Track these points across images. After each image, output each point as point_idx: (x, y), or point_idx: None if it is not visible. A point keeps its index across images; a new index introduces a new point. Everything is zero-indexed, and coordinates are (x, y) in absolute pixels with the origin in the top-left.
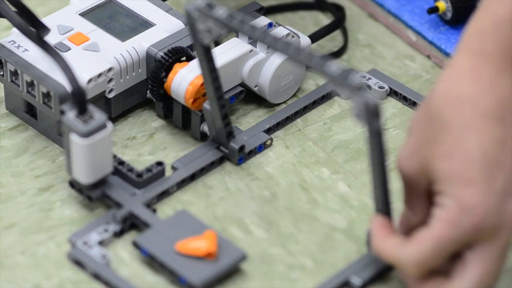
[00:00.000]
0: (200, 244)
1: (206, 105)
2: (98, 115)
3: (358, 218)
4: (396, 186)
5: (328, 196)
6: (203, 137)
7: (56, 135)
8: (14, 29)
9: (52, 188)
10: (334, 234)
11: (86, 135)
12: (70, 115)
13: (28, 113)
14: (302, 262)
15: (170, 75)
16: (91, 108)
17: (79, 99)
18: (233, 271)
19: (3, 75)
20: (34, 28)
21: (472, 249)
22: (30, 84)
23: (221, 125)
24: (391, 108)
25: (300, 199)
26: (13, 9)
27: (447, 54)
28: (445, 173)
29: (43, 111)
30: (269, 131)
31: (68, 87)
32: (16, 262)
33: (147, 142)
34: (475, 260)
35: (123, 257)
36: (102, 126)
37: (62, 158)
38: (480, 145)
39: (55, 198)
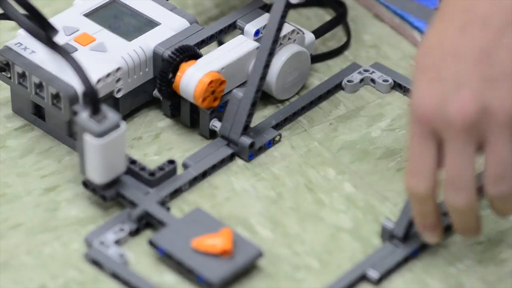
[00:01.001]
0: (216, 241)
1: (238, 92)
2: (111, 115)
3: (364, 219)
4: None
5: (334, 196)
6: (211, 134)
7: (65, 135)
8: (20, 31)
9: (58, 188)
10: (340, 234)
11: (100, 135)
12: (84, 115)
13: (36, 114)
14: (308, 262)
15: (178, 73)
16: (104, 108)
17: (92, 99)
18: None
19: (10, 78)
20: (43, 30)
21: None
22: (39, 86)
23: (246, 113)
24: (397, 109)
25: (306, 200)
26: (20, 9)
27: None
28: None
29: (51, 112)
30: (276, 127)
31: (77, 87)
32: (22, 262)
33: (153, 142)
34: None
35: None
36: (116, 126)
37: (68, 158)
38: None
39: (61, 198)
